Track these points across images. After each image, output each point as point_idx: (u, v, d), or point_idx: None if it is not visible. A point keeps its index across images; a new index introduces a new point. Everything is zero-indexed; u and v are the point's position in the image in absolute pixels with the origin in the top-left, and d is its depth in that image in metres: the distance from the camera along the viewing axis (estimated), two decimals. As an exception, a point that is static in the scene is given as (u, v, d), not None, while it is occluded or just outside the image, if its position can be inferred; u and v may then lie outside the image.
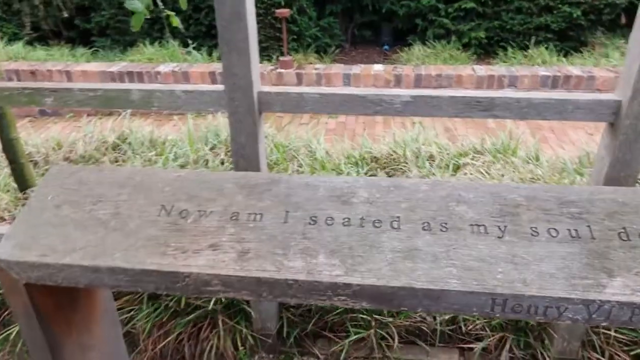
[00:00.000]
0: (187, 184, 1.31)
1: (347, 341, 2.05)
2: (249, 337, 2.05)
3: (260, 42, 6.20)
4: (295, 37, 6.30)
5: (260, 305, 1.99)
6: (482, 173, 2.65)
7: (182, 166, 2.78)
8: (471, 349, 2.08)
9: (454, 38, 6.46)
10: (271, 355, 2.11)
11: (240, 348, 2.04)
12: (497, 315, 1.05)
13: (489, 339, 2.02)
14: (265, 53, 6.22)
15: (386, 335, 2.05)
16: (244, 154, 1.66)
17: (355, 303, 1.09)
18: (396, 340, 2.02)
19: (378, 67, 5.50)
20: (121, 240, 1.17)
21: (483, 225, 1.15)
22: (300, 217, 1.19)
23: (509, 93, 1.49)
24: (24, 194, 2.52)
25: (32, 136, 3.55)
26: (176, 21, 1.70)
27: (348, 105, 1.53)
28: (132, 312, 2.05)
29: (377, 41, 7.50)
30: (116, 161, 3.02)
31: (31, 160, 3.05)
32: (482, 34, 6.39)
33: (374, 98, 1.51)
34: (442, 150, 3.00)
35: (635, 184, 1.50)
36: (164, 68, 5.48)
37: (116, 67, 5.60)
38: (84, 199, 1.28)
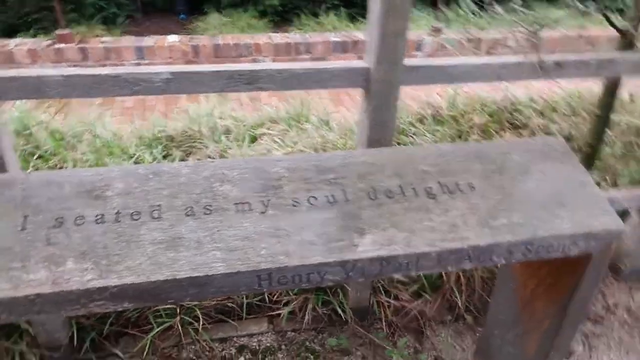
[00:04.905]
0: None
1: (150, 335, 1.94)
2: (33, 355, 1.81)
3: (30, 13, 5.40)
4: (73, 6, 5.60)
5: (39, 319, 1.76)
6: (277, 142, 2.70)
7: None
8: (279, 314, 2.14)
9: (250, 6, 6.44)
10: (65, 369, 1.90)
11: (23, 370, 1.79)
12: (265, 289, 1.06)
13: (293, 303, 2.10)
14: (39, 25, 5.44)
15: (192, 321, 1.99)
16: (-19, 152, 1.40)
17: (116, 305, 1.00)
18: (201, 323, 1.98)
19: (173, 38, 5.22)
20: None
21: (247, 202, 1.14)
22: (42, 221, 1.04)
23: (271, 65, 1.49)
24: None
25: None
26: None
27: (101, 87, 1.38)
28: None
29: (173, 10, 7.12)
30: None
31: None
32: (276, 2, 6.48)
33: (129, 77, 1.37)
34: (239, 122, 2.97)
35: (392, 143, 1.65)
36: None
37: None
38: None
